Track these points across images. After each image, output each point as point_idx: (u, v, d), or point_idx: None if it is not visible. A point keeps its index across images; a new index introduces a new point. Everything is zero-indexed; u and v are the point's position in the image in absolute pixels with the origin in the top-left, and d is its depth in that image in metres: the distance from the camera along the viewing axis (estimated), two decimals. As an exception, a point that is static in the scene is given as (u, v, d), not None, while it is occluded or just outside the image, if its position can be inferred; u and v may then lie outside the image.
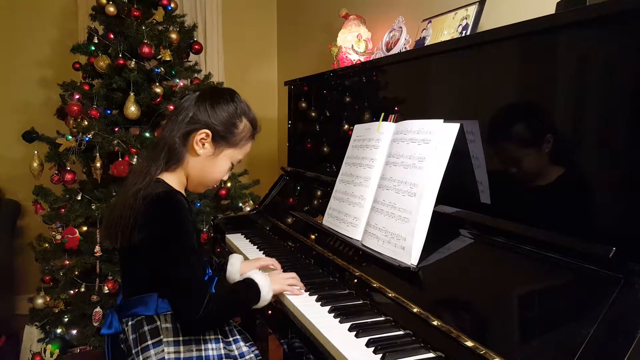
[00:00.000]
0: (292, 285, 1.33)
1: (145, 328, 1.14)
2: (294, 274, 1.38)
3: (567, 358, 0.75)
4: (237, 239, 1.99)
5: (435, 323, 1.00)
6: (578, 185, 0.96)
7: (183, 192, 1.24)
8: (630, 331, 0.72)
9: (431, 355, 0.97)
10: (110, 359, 1.22)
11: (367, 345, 1.02)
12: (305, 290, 1.35)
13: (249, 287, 1.26)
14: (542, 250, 0.94)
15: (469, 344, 0.90)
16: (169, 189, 1.17)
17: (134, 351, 1.13)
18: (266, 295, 1.25)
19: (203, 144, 1.21)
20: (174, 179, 1.22)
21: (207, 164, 1.23)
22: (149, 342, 1.13)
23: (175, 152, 1.20)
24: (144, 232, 1.11)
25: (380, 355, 0.97)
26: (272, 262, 1.52)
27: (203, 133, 1.20)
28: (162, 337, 1.13)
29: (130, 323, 1.16)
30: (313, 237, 1.68)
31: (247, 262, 1.54)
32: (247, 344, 1.31)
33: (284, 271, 1.46)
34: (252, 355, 1.28)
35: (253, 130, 1.29)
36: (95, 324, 2.19)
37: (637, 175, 0.85)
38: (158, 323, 1.14)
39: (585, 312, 0.79)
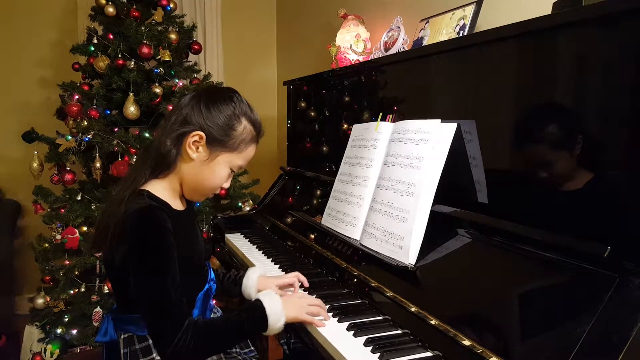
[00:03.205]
0: (311, 314, 1.15)
1: (137, 346, 1.11)
2: (317, 300, 1.19)
3: (562, 356, 0.76)
4: (236, 239, 1.99)
5: (432, 322, 1.01)
6: (574, 185, 0.96)
7: (176, 200, 1.16)
8: (626, 330, 0.72)
9: (429, 354, 0.97)
10: None
11: (365, 344, 1.02)
12: (305, 290, 1.35)
13: (254, 313, 1.10)
14: (538, 250, 0.94)
15: (466, 342, 0.91)
16: (148, 204, 1.05)
17: None
18: (275, 324, 1.09)
19: (197, 148, 1.10)
20: (163, 187, 1.13)
21: (202, 169, 1.12)
22: None
23: (164, 157, 1.10)
24: (121, 250, 1.04)
25: (378, 354, 0.97)
26: (295, 278, 1.35)
27: (196, 135, 1.09)
28: (154, 355, 1.09)
29: (122, 336, 1.13)
30: (312, 236, 1.69)
31: (266, 277, 1.38)
32: (247, 349, 1.30)
33: (307, 290, 1.33)
34: None
35: (256, 134, 1.16)
36: (95, 324, 2.20)
37: (631, 175, 0.85)
38: (150, 342, 1.10)
39: (580, 311, 0.80)
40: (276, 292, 1.31)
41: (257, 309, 1.10)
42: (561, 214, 0.97)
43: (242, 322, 1.09)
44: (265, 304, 1.10)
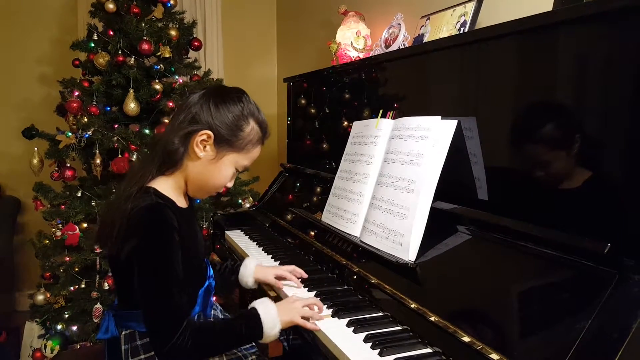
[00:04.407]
0: (306, 314, 1.14)
1: (138, 342, 1.11)
2: (313, 299, 1.19)
3: (562, 352, 0.76)
4: (236, 236, 1.99)
5: (432, 318, 1.01)
6: (574, 182, 0.96)
7: (181, 198, 1.16)
8: (625, 326, 0.72)
9: (428, 350, 0.98)
10: None
11: (365, 340, 1.02)
12: (304, 287, 1.35)
13: (249, 320, 1.09)
14: (538, 247, 0.95)
15: (466, 339, 0.91)
16: (154, 202, 1.05)
17: None
18: (270, 332, 1.09)
19: (204, 147, 1.11)
20: (169, 185, 1.13)
21: (208, 168, 1.13)
22: (142, 357, 1.10)
23: (171, 155, 1.10)
24: (126, 247, 1.04)
25: (378, 350, 0.98)
26: (291, 269, 1.36)
27: (204, 134, 1.09)
28: None
29: (124, 333, 1.13)
30: (312, 233, 1.69)
31: (262, 267, 1.41)
32: (248, 346, 1.30)
33: (307, 284, 1.33)
34: (253, 357, 1.27)
35: (262, 135, 1.17)
36: (96, 320, 2.20)
37: (631, 172, 0.85)
38: None
39: (580, 308, 0.80)
40: (274, 283, 1.35)
41: (252, 317, 1.10)
42: (561, 210, 0.97)
43: (239, 328, 1.10)
44: (261, 311, 1.10)
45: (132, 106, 2.30)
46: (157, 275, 1.03)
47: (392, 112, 1.48)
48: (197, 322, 1.08)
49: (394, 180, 1.31)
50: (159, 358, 1.05)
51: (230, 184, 1.19)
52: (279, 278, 1.37)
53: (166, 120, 2.30)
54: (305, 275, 1.37)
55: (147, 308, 1.04)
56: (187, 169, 1.13)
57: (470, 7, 1.56)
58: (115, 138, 2.24)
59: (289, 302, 1.18)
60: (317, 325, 1.12)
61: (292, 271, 1.38)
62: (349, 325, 1.10)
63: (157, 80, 2.38)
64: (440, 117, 1.23)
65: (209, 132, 1.10)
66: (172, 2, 2.56)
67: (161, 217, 1.05)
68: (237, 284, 1.41)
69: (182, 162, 1.12)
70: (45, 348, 2.16)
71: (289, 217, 1.93)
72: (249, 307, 1.14)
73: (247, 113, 1.14)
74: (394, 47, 1.87)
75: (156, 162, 1.12)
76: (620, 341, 0.71)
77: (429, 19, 1.76)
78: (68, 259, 2.24)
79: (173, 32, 2.46)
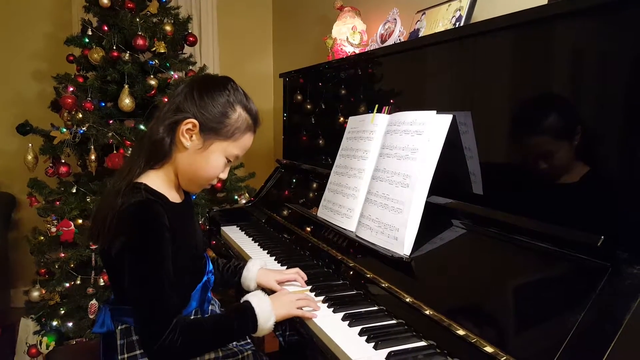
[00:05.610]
0: (301, 308, 1.14)
1: (134, 337, 1.10)
2: (304, 294, 1.20)
3: (556, 344, 0.76)
4: (232, 232, 1.99)
5: (427, 312, 1.01)
6: (568, 176, 0.97)
7: (173, 192, 1.14)
8: (618, 318, 0.73)
9: (423, 343, 0.98)
10: (105, 356, 1.17)
11: (360, 334, 1.03)
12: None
13: (243, 314, 1.09)
14: (532, 240, 0.95)
15: (460, 332, 0.91)
16: (144, 198, 1.03)
17: (119, 358, 1.09)
18: (264, 325, 1.09)
19: (190, 136, 1.08)
20: (159, 178, 1.11)
21: (196, 158, 1.10)
22: (137, 352, 1.09)
23: (157, 146, 1.08)
24: (117, 243, 1.03)
25: (373, 343, 0.98)
26: (296, 275, 1.34)
27: (189, 123, 1.07)
28: None
29: (120, 327, 1.12)
30: (308, 229, 1.69)
31: (266, 270, 1.38)
32: (243, 342, 1.30)
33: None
34: (249, 352, 1.27)
35: (252, 122, 1.14)
36: (91, 317, 2.19)
37: (625, 165, 0.86)
38: None
39: (574, 300, 0.80)
40: (278, 289, 1.31)
41: (246, 310, 1.09)
42: (555, 204, 0.98)
43: (231, 323, 1.09)
44: (254, 304, 1.10)
45: (127, 102, 2.29)
46: (146, 274, 1.02)
47: (387, 107, 1.48)
48: (188, 320, 1.07)
49: (389, 175, 1.31)
50: (149, 357, 1.04)
51: (223, 175, 1.16)
52: (282, 282, 1.33)
53: (161, 116, 2.29)
54: (306, 278, 1.34)
55: (137, 306, 1.04)
56: (176, 160, 1.11)
57: (465, 2, 1.55)
58: (110, 134, 2.23)
59: (281, 295, 1.18)
60: (314, 313, 1.12)
61: (296, 273, 1.35)
62: (344, 319, 1.10)
63: (152, 76, 2.37)
64: (435, 111, 1.23)
65: (194, 120, 1.08)
66: (167, -3, 2.55)
67: (150, 214, 1.03)
68: (238, 286, 1.38)
69: (170, 154, 1.11)
70: (40, 344, 2.15)
71: (285, 212, 1.93)
72: (242, 301, 1.13)
73: (233, 100, 1.11)
74: (389, 42, 1.87)
75: (143, 155, 1.11)
76: (613, 333, 0.71)
77: (424, 13, 1.76)
78: (63, 255, 2.22)
79: (168, 28, 2.45)
